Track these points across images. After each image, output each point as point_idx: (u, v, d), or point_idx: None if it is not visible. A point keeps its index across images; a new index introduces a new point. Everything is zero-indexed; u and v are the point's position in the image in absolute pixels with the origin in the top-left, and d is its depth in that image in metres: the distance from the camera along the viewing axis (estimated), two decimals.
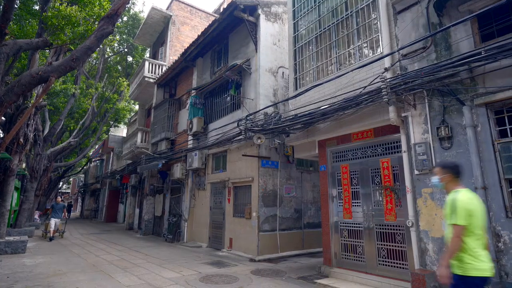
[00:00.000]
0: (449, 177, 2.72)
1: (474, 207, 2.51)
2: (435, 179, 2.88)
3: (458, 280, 2.44)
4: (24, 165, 15.53)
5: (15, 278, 5.52)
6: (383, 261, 5.16)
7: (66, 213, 12.30)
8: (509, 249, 3.57)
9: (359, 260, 5.53)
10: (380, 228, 5.29)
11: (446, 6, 4.49)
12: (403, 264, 4.87)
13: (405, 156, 4.79)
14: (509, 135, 3.85)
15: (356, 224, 5.68)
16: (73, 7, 8.42)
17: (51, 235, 10.94)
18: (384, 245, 5.18)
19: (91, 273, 6.04)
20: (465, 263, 2.42)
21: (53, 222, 11.09)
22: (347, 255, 5.77)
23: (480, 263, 2.40)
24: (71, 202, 37.48)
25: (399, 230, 5.00)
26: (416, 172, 4.56)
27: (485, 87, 3.93)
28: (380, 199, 5.35)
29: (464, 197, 2.53)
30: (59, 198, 12.51)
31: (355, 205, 5.75)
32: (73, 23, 8.27)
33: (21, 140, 9.22)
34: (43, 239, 11.16)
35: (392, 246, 5.07)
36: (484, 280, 2.41)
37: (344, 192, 5.96)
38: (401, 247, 4.95)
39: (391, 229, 5.13)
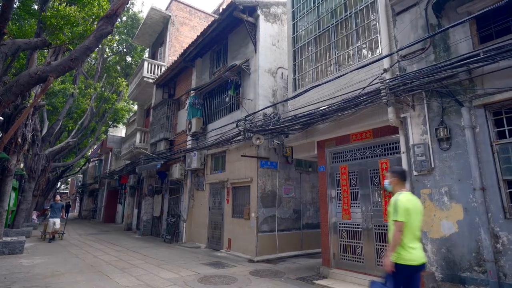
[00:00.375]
0: (396, 181, 3.15)
1: (412, 207, 2.92)
2: (386, 182, 3.28)
3: (394, 267, 2.86)
4: (22, 165, 15.50)
5: (12, 278, 5.49)
6: (381, 262, 5.15)
7: (65, 213, 12.05)
8: (508, 250, 3.58)
9: (357, 261, 5.53)
10: (379, 229, 5.29)
11: (444, 7, 4.51)
12: None
13: (403, 157, 4.80)
14: (507, 136, 3.86)
15: (355, 225, 5.68)
16: (72, 7, 8.40)
17: (50, 236, 10.76)
18: (383, 246, 5.18)
19: (89, 273, 6.02)
20: (398, 253, 2.85)
21: (51, 222, 10.73)
22: (346, 256, 5.77)
23: (410, 255, 2.82)
24: (69, 202, 37.39)
25: None
26: (414, 173, 4.57)
27: (484, 88, 3.95)
28: (379, 200, 5.36)
29: (404, 198, 2.94)
30: (58, 197, 12.13)
31: (354, 206, 5.75)
32: (72, 23, 8.26)
33: (19, 140, 9.19)
34: (41, 240, 11.00)
35: None
36: (412, 268, 2.82)
37: (343, 192, 5.96)
38: None
39: None
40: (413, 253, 2.83)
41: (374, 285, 2.97)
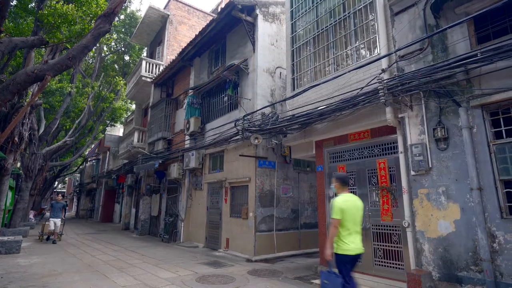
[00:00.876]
0: (338, 185, 3.68)
1: (346, 207, 3.44)
2: (331, 185, 3.80)
3: (335, 256, 3.43)
4: (19, 164, 15.40)
5: (9, 278, 5.46)
6: (379, 261, 5.18)
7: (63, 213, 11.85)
8: (504, 250, 3.60)
9: None
10: (376, 229, 5.31)
11: (443, 8, 4.52)
12: (399, 265, 4.90)
13: (401, 157, 4.81)
14: (504, 136, 3.88)
15: None
16: (70, 5, 8.36)
17: (48, 236, 10.57)
18: (380, 245, 5.20)
19: (86, 273, 6.00)
20: (337, 245, 3.42)
21: (52, 223, 10.33)
22: None
23: (345, 246, 3.38)
24: (66, 201, 37.17)
25: (395, 230, 5.02)
26: (412, 173, 4.59)
27: (481, 89, 3.97)
28: (377, 200, 5.37)
29: (340, 200, 3.48)
30: (60, 197, 11.59)
31: None
32: (69, 21, 8.22)
33: (16, 139, 9.15)
34: (38, 242, 10.61)
35: (388, 246, 5.09)
36: (348, 257, 3.36)
37: None
38: (397, 247, 4.97)
39: (387, 230, 5.15)
40: (349, 245, 3.37)
41: (323, 274, 3.46)
